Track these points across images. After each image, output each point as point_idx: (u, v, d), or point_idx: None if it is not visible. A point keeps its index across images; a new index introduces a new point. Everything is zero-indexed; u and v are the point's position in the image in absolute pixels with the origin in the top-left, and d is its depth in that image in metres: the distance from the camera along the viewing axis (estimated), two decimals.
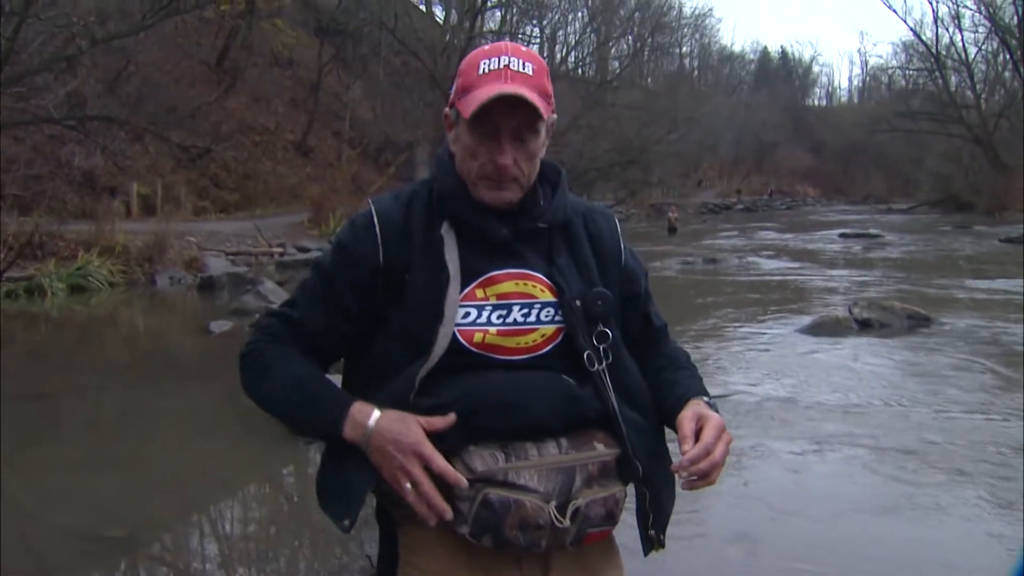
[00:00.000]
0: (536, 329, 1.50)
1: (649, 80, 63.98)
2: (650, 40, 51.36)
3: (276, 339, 1.54)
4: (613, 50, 50.20)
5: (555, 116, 1.56)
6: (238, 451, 5.71)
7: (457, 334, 1.46)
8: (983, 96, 52.30)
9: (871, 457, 5.24)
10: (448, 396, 1.43)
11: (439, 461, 1.37)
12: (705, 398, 1.57)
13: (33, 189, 17.00)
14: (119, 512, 4.45)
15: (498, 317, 1.49)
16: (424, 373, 1.44)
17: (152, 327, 12.18)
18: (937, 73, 53.45)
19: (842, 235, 28.90)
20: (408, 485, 1.37)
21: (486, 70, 1.46)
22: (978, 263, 19.02)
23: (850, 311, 10.18)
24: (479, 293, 1.49)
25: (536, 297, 1.51)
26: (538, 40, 48.06)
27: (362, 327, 1.53)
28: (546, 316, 1.51)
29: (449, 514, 1.37)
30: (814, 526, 4.26)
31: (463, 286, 1.48)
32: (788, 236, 29.82)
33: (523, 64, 1.47)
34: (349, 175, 31.76)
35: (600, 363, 1.52)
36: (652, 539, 1.57)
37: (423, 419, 1.40)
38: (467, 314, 1.48)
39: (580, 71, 49.90)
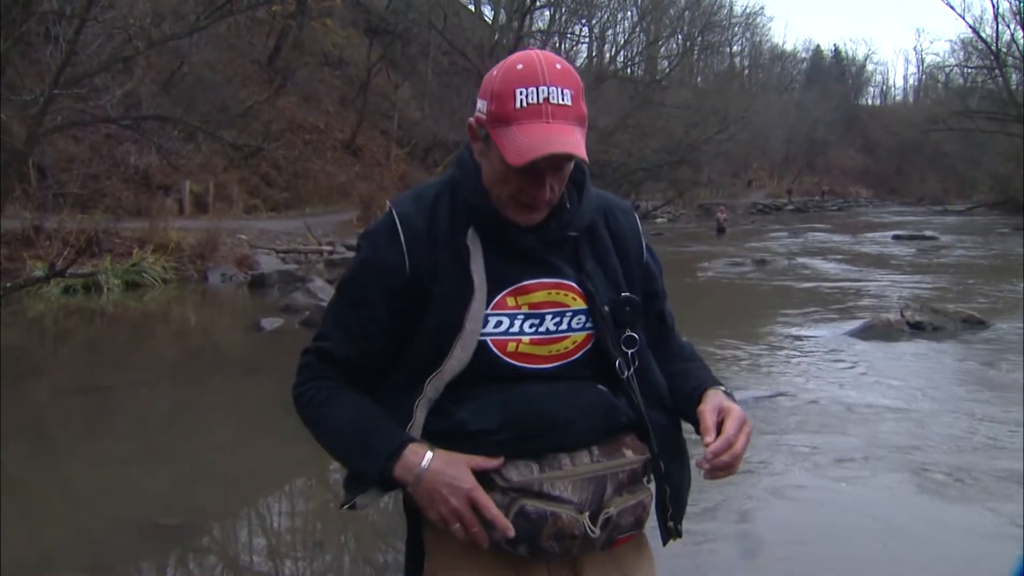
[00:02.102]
0: (568, 336, 1.50)
1: (699, 79, 63.39)
2: (700, 39, 50.83)
3: (319, 377, 1.53)
4: (663, 49, 49.79)
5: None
6: (286, 447, 5.78)
7: (491, 344, 1.46)
8: None
9: (915, 467, 5.14)
10: (493, 420, 1.43)
11: (492, 511, 1.38)
12: (722, 388, 1.57)
13: (91, 187, 17.43)
14: (172, 503, 4.55)
15: (531, 326, 1.47)
16: (440, 383, 1.45)
17: (204, 323, 12.41)
18: (997, 71, 52.16)
19: (896, 237, 28.39)
20: (456, 525, 1.40)
21: (524, 103, 1.37)
22: None
23: (902, 314, 10.01)
24: (511, 301, 1.47)
25: (568, 305, 1.50)
26: (587, 40, 48.05)
27: (402, 339, 1.50)
28: (577, 323, 1.50)
29: (486, 543, 1.41)
30: (850, 534, 4.20)
31: (493, 295, 1.46)
32: (839, 238, 29.39)
33: (562, 94, 1.39)
34: (397, 174, 31.95)
35: (629, 369, 1.52)
36: (671, 530, 1.58)
37: (472, 460, 1.41)
38: (499, 323, 1.46)
39: (629, 71, 49.62)
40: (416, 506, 1.49)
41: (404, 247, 1.46)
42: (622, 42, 50.92)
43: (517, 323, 1.47)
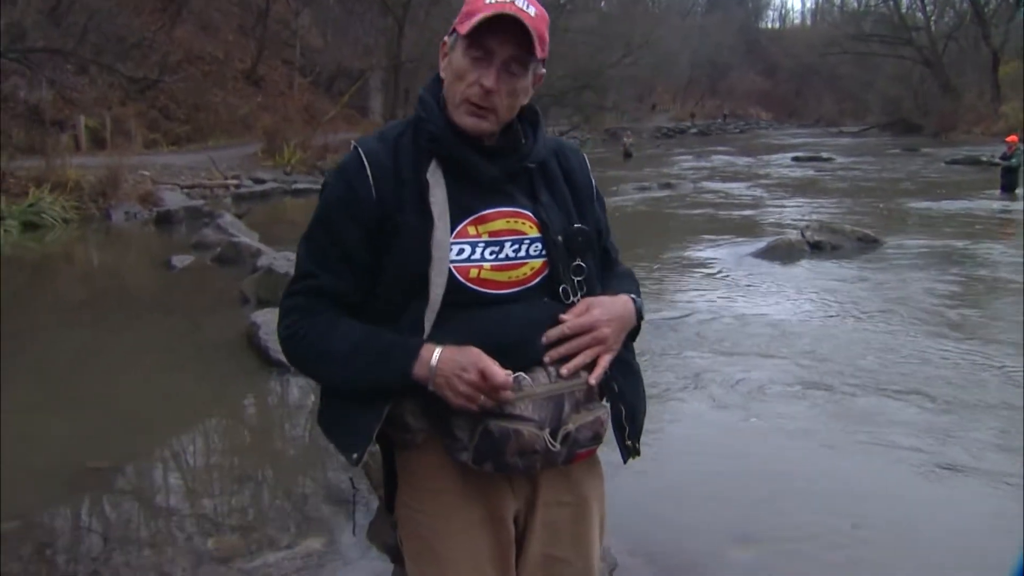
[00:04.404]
0: (526, 263, 1.59)
1: (603, 3, 63.11)
2: None
3: (314, 312, 1.58)
4: None
5: (544, 70, 1.64)
6: (212, 383, 5.82)
7: (454, 271, 1.54)
8: (933, 18, 52.58)
9: (823, 383, 5.40)
10: (457, 342, 1.50)
11: (500, 377, 1.45)
12: (632, 296, 1.68)
13: None
14: (94, 447, 4.51)
15: (491, 253, 1.57)
16: (432, 315, 1.53)
17: (112, 263, 12.10)
18: None
19: (795, 159, 29.25)
20: (481, 398, 1.46)
21: (491, 0, 1.53)
22: (925, 185, 19.48)
23: (802, 234, 10.48)
24: (472, 230, 1.57)
25: (525, 233, 1.60)
26: None
27: (376, 272, 1.58)
28: (535, 251, 1.60)
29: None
30: (757, 451, 4.48)
31: (455, 224, 1.56)
32: (742, 160, 30.08)
33: (527, 4, 1.55)
34: (301, 104, 31.23)
35: (575, 295, 1.62)
36: (629, 448, 1.69)
37: (481, 357, 1.47)
38: (461, 250, 1.55)
39: None
40: (386, 433, 1.60)
41: (371, 181, 1.56)
42: None
43: (479, 250, 1.57)
